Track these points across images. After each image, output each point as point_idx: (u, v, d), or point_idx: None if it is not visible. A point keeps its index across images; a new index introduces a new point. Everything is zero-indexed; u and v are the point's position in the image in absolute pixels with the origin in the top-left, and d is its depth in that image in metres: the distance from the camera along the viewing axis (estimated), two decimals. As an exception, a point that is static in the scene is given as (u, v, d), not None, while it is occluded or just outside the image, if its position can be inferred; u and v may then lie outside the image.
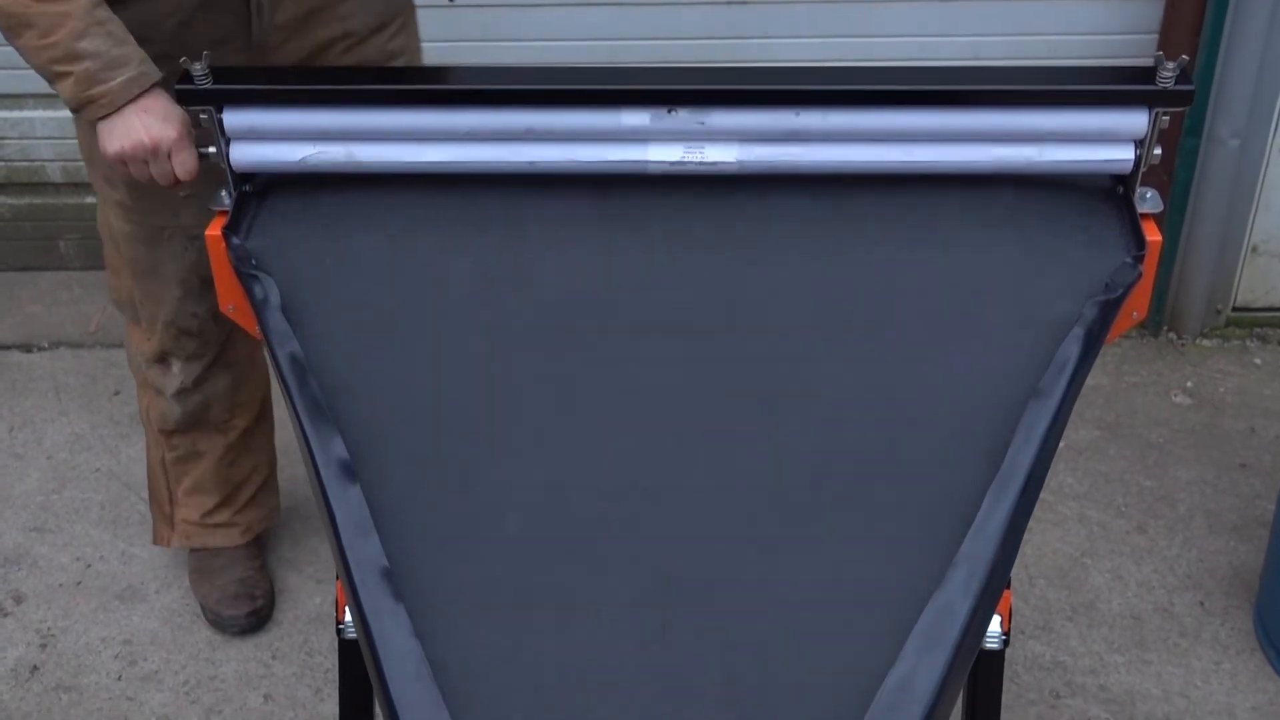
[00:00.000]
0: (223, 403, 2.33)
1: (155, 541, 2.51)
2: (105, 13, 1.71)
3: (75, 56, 1.68)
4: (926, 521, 1.31)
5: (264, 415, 2.46)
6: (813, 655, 1.23)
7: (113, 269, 2.21)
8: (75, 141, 3.27)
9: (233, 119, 1.59)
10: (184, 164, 1.69)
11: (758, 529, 1.32)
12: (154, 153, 1.69)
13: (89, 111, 1.71)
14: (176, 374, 2.26)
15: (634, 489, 1.36)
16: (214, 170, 1.89)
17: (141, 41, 1.85)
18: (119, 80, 1.68)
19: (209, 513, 2.44)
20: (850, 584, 1.28)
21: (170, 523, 2.47)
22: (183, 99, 1.58)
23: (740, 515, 1.33)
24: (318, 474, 1.35)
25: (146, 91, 1.69)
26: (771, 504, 1.34)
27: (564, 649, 1.24)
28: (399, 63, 2.10)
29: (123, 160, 1.70)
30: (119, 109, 1.69)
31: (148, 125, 1.68)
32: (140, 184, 1.80)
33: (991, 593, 1.27)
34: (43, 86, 2.81)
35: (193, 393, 2.28)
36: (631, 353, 1.47)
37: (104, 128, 1.70)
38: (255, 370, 2.38)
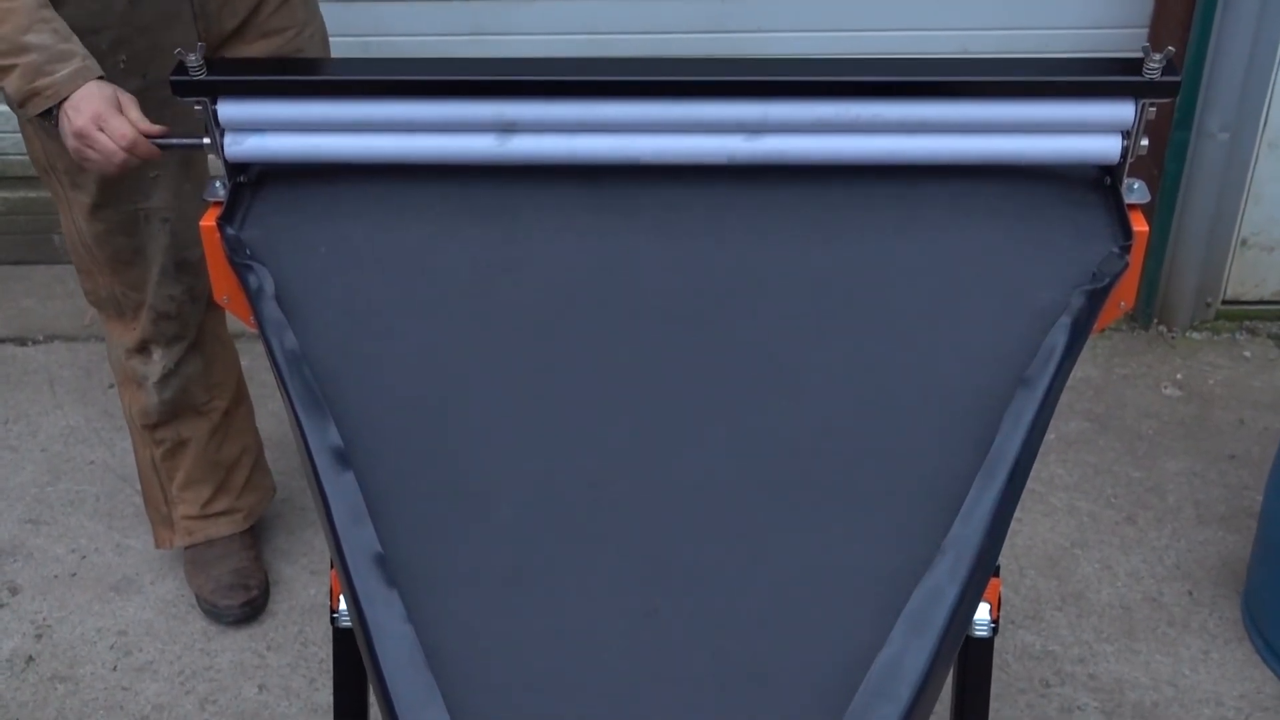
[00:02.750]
0: (199, 384, 2.35)
1: (157, 545, 2.52)
2: (50, 11, 1.75)
3: (22, 49, 1.71)
4: (914, 507, 1.32)
5: (241, 396, 2.47)
6: (801, 637, 1.24)
7: (86, 272, 2.22)
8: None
9: (227, 110, 1.59)
10: (116, 129, 1.70)
11: (747, 513, 1.34)
12: (95, 121, 1.70)
13: (34, 104, 1.73)
14: (158, 361, 2.28)
15: (625, 473, 1.37)
16: (180, 155, 1.90)
17: (95, 30, 1.87)
18: (64, 72, 1.71)
19: (207, 502, 2.45)
20: (838, 568, 1.29)
21: (169, 523, 2.48)
22: (178, 91, 1.59)
23: (730, 499, 1.35)
24: (312, 462, 1.36)
25: (85, 85, 1.72)
26: (761, 488, 1.35)
27: (556, 632, 1.25)
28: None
29: (84, 142, 1.72)
30: (63, 101, 1.71)
31: (82, 107, 1.71)
32: (110, 176, 1.82)
33: (979, 578, 1.28)
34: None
35: (173, 377, 2.30)
36: (622, 339, 1.48)
37: (62, 118, 1.73)
38: (225, 350, 2.40)
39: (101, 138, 1.70)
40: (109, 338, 2.31)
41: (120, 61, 1.94)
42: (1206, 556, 2.54)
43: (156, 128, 1.72)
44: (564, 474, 1.37)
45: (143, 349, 2.27)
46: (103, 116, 1.70)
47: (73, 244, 2.18)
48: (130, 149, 1.71)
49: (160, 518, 2.49)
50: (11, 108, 1.84)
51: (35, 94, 1.72)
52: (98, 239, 2.12)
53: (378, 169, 1.64)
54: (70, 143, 1.74)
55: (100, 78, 1.74)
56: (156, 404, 2.32)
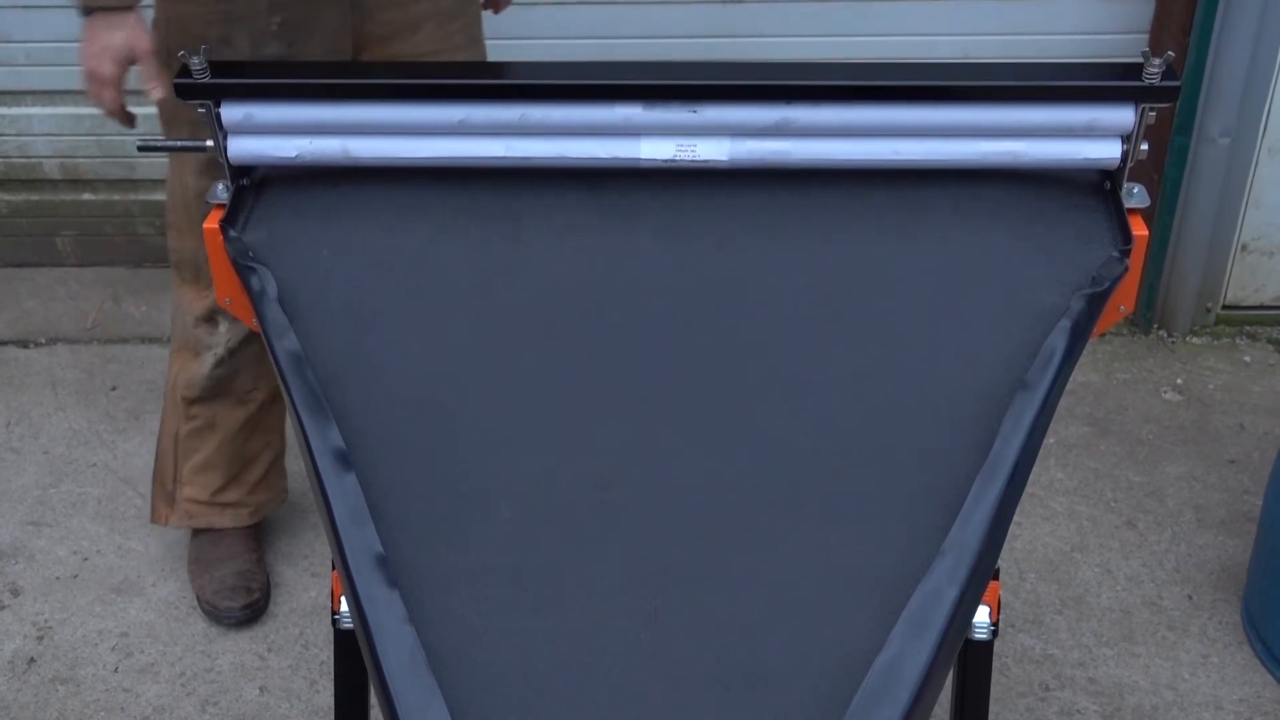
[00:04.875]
0: (251, 369, 2.37)
1: (153, 520, 2.51)
2: None
3: None
4: (914, 509, 1.33)
5: (279, 393, 2.48)
6: (801, 639, 1.24)
7: (177, 230, 2.26)
8: (72, 138, 3.32)
9: (230, 113, 1.60)
10: (106, 100, 1.86)
11: (747, 515, 1.34)
12: (93, 77, 1.86)
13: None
14: (223, 334, 2.30)
15: (625, 475, 1.37)
16: None
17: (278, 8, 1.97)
18: None
19: (217, 491, 2.46)
20: (838, 570, 1.29)
21: (171, 501, 2.48)
22: (180, 93, 1.59)
23: (730, 501, 1.35)
24: (314, 463, 1.36)
25: (121, 10, 1.84)
26: (761, 490, 1.36)
27: (556, 633, 1.26)
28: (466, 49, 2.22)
29: (87, 82, 1.87)
30: (114, 11, 1.83)
31: (94, 53, 1.87)
32: None
33: (978, 581, 1.29)
34: (40, 84, 2.81)
35: (231, 356, 2.32)
36: (624, 341, 1.49)
37: (86, 31, 1.87)
38: None
39: (95, 93, 1.83)
40: (178, 303, 2.34)
41: (274, 24, 1.99)
42: (1206, 561, 2.55)
43: (158, 91, 1.82)
44: (565, 475, 1.38)
45: (210, 319, 2.30)
46: (98, 76, 1.84)
47: (173, 200, 2.22)
48: (113, 117, 1.83)
49: (164, 493, 2.49)
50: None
51: None
52: (201, 195, 2.15)
53: (381, 171, 1.65)
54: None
55: (130, 8, 1.86)
56: (205, 378, 2.33)
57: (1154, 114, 1.54)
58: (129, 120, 1.98)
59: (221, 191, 1.63)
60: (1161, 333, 3.16)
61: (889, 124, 1.56)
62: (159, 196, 3.41)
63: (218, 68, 1.59)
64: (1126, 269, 1.51)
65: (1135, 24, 2.98)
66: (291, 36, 2.01)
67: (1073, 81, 1.54)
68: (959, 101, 1.56)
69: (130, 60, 1.89)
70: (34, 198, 3.40)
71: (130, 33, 1.89)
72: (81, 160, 3.34)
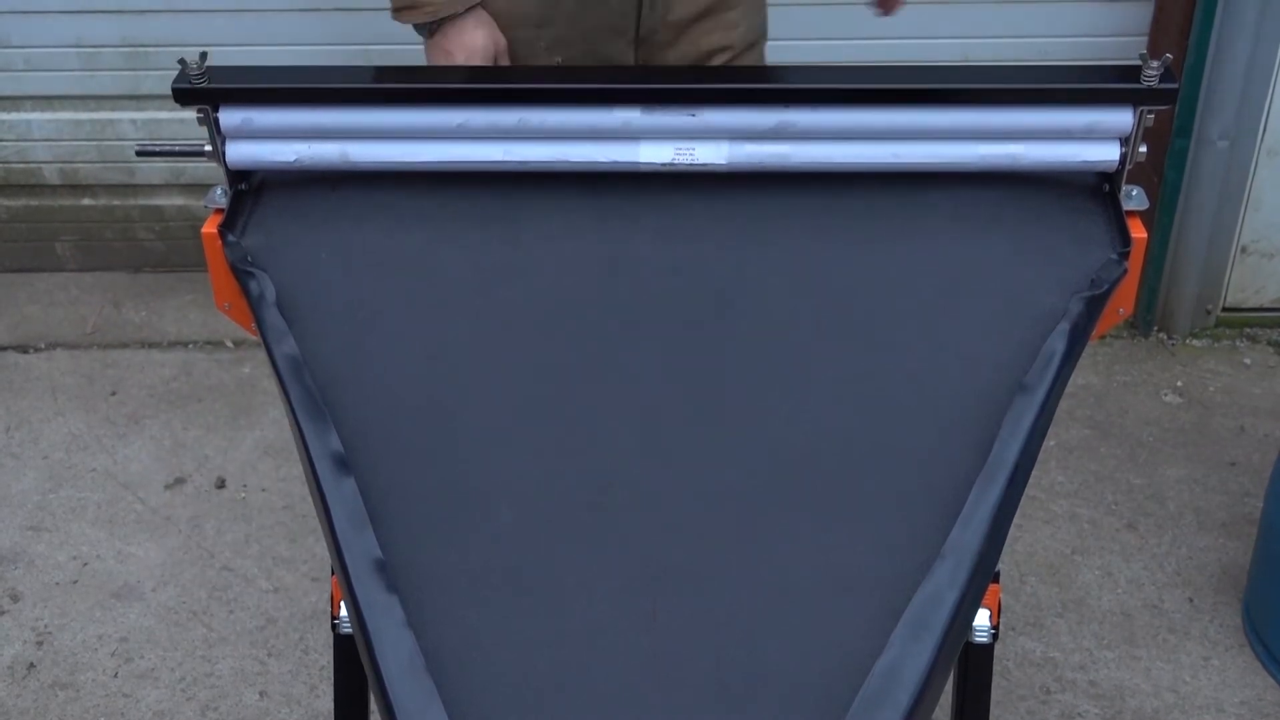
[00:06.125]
0: None
1: None
2: None
3: None
4: (914, 511, 1.32)
5: None
6: (801, 641, 1.24)
7: None
8: (71, 144, 3.32)
9: (228, 117, 1.60)
10: None
11: (747, 517, 1.34)
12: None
13: (408, 16, 1.85)
14: None
15: (625, 478, 1.37)
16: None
17: (539, 25, 1.95)
18: None
19: None
20: (838, 572, 1.29)
21: None
22: (179, 97, 1.59)
23: (730, 503, 1.35)
24: (313, 468, 1.36)
25: (462, 15, 1.85)
26: (761, 492, 1.36)
27: (556, 636, 1.26)
28: None
29: None
30: (438, 25, 1.84)
31: (462, 61, 1.86)
32: None
33: (978, 583, 1.28)
34: (39, 89, 2.82)
35: None
36: (623, 344, 1.49)
37: (428, 46, 1.87)
38: None
39: None
40: None
41: (555, 62, 1.99)
42: (1207, 563, 2.54)
43: None
44: (565, 478, 1.38)
45: None
46: None
47: None
48: None
49: None
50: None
51: (413, 6, 1.82)
52: None
53: (380, 176, 1.65)
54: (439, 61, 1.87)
55: (477, 5, 1.84)
56: None
57: (1152, 116, 1.54)
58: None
59: (220, 196, 1.63)
60: (1161, 335, 3.16)
61: (888, 127, 1.56)
62: (158, 201, 3.42)
63: (216, 72, 1.59)
64: (1125, 271, 1.51)
65: (1134, 27, 2.98)
66: None
67: (1071, 84, 1.55)
68: (958, 104, 1.56)
69: (495, 58, 1.89)
70: (33, 203, 3.40)
71: (490, 29, 1.88)
72: (81, 165, 3.35)
